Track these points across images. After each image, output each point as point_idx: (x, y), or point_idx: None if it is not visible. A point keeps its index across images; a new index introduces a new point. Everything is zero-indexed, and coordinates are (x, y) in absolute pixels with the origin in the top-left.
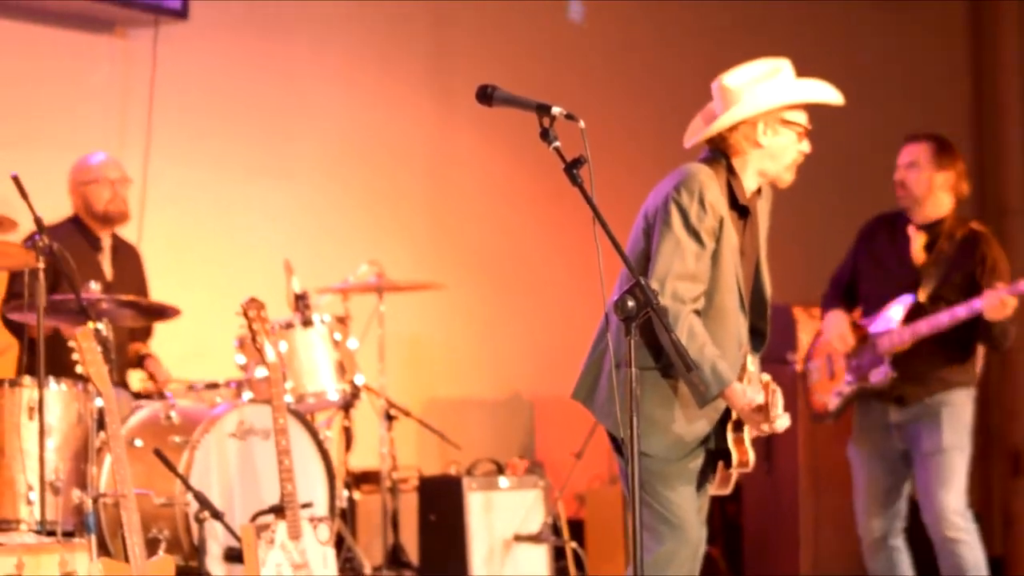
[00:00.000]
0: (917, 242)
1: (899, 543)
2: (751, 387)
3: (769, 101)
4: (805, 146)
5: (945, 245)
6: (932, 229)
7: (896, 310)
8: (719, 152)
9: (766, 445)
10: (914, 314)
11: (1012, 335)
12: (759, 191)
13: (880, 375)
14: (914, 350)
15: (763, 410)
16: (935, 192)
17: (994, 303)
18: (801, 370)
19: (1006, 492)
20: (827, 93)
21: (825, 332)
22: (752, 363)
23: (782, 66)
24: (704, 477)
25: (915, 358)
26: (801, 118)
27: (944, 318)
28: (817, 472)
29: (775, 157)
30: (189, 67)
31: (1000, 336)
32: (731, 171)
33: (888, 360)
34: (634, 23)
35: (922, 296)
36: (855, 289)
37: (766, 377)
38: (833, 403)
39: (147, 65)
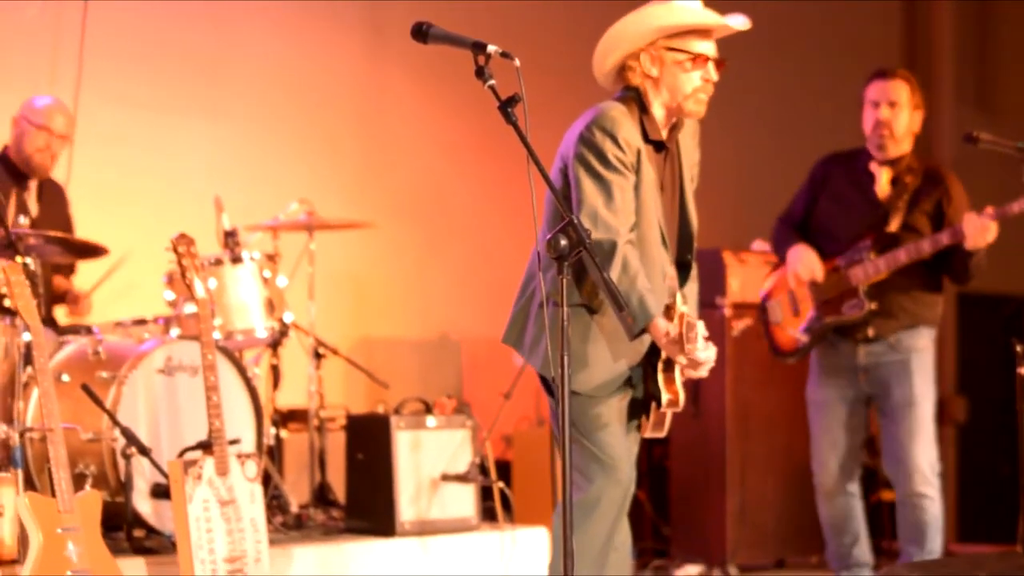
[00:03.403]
0: (882, 177)
1: (855, 489)
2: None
3: (637, 29)
4: (709, 74)
5: (909, 178)
6: (896, 164)
7: (865, 244)
8: (631, 88)
9: (694, 388)
10: (886, 246)
11: (984, 267)
12: (678, 125)
13: (855, 307)
14: (886, 283)
15: (678, 342)
16: (911, 131)
17: (977, 227)
18: (729, 314)
19: None
20: (700, 16)
21: (791, 265)
22: (681, 300)
23: None
24: (634, 418)
25: (887, 291)
26: (694, 46)
27: (926, 245)
28: (745, 415)
29: (672, 89)
30: (121, 5)
31: (976, 267)
32: (643, 107)
33: (863, 292)
34: None
35: (893, 227)
36: (807, 229)
37: (683, 308)
38: (804, 339)
39: (79, 2)
